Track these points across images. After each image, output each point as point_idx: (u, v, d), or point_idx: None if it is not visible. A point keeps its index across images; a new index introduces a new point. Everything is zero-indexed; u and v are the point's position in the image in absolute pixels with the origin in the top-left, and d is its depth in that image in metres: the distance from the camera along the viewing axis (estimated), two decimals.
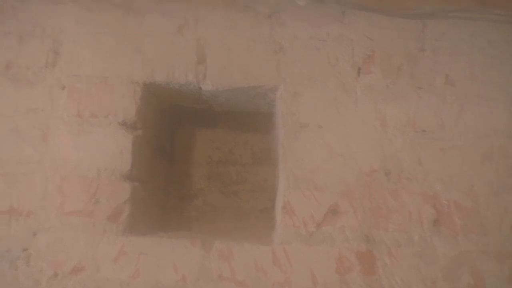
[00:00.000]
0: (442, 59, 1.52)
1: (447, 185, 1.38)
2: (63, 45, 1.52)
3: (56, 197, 1.39)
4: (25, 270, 1.34)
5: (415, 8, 1.60)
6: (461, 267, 1.31)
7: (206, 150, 1.93)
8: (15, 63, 1.52)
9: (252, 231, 1.73)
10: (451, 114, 1.46)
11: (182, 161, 1.93)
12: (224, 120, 1.95)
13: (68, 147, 1.44)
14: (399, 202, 1.36)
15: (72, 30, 1.53)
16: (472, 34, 1.56)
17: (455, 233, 1.34)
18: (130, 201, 1.40)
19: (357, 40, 1.54)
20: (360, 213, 1.35)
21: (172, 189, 1.88)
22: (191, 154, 1.94)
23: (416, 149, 1.42)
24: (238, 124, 1.94)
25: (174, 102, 1.68)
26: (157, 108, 1.66)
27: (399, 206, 1.36)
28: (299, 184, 1.38)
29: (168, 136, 1.91)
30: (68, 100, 1.48)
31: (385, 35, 1.54)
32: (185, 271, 1.32)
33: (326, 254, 1.32)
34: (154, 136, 1.67)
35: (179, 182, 1.90)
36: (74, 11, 1.55)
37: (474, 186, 1.38)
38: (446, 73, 1.50)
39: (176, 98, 1.63)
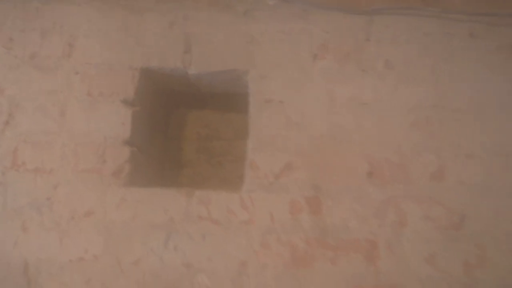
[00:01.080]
0: (384, 48, 1.82)
1: (380, 146, 1.70)
2: (77, 39, 1.89)
3: (72, 158, 1.76)
4: (48, 214, 1.71)
5: (366, 6, 1.94)
6: (388, 208, 1.64)
7: (196, 128, 2.29)
8: (39, 54, 1.89)
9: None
10: (388, 91, 1.76)
11: (175, 138, 2.29)
12: (212, 103, 2.31)
13: (81, 120, 1.81)
14: (341, 160, 1.70)
15: (85, 27, 1.90)
16: (411, 27, 1.86)
17: (385, 182, 1.67)
18: (130, 161, 1.76)
19: (315, 33, 1.86)
20: (310, 168, 1.69)
21: (166, 160, 2.25)
22: (183, 131, 2.30)
23: (357, 119, 1.74)
24: (223, 105, 2.30)
25: (167, 85, 2.04)
26: (153, 90, 2.02)
27: (341, 162, 1.70)
28: (262, 147, 1.73)
29: (164, 117, 2.27)
30: (81, 83, 1.84)
31: (338, 28, 1.86)
32: (172, 213, 1.68)
33: (282, 199, 1.67)
34: (152, 115, 2.04)
35: (173, 155, 2.27)
36: (87, 11, 1.91)
37: (402, 146, 1.70)
38: (386, 59, 1.82)
39: (168, 82, 1.99)
